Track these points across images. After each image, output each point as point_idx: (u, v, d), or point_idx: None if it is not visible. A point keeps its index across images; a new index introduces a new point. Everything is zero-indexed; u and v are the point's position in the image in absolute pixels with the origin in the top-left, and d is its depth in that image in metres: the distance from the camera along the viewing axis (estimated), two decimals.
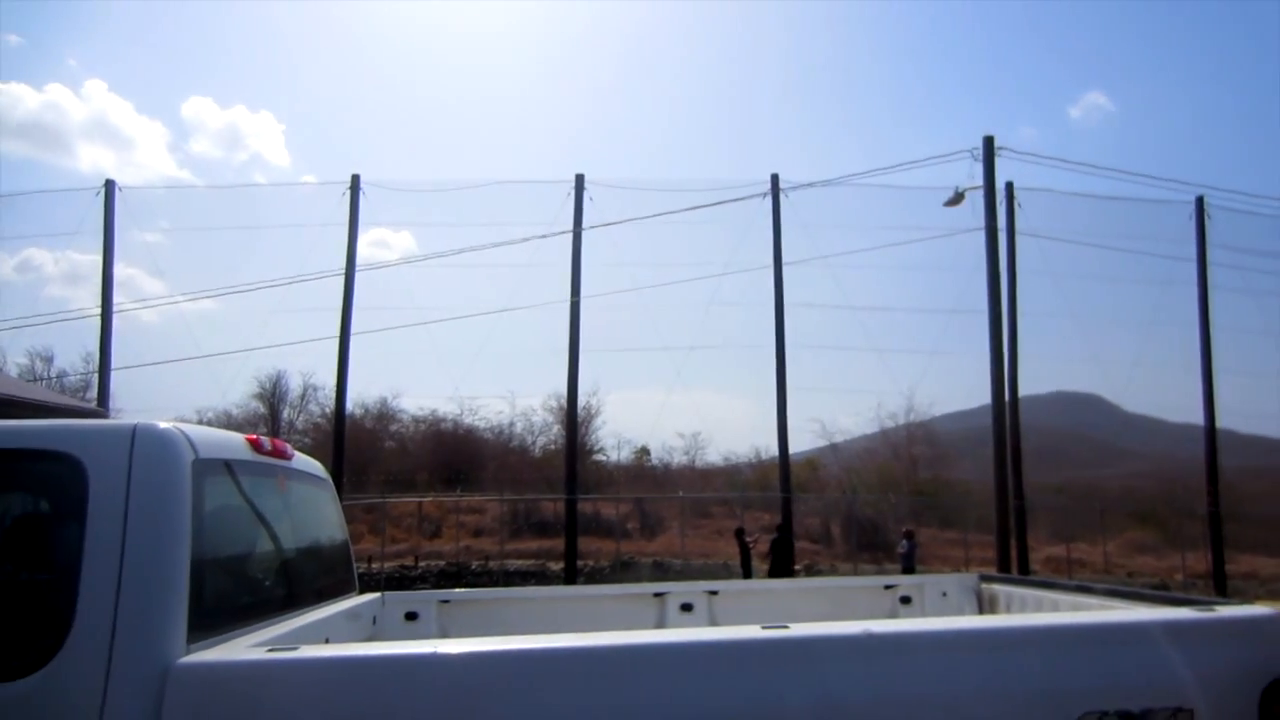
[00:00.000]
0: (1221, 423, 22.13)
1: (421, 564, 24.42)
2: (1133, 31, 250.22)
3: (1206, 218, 22.23)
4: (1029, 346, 24.20)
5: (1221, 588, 20.70)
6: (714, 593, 4.74)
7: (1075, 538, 26.50)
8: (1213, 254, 22.22)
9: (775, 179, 22.26)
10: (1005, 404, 18.85)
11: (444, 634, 4.38)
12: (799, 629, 2.65)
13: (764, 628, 2.63)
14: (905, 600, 4.89)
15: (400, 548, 25.86)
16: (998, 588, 4.73)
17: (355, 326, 21.54)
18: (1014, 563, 18.57)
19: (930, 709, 2.54)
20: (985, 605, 4.78)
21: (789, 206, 22.30)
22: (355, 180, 22.19)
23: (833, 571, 23.23)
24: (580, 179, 22.13)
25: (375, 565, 22.80)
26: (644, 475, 35.12)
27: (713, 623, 4.59)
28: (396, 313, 23.64)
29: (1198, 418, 22.29)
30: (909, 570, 16.19)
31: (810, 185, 22.53)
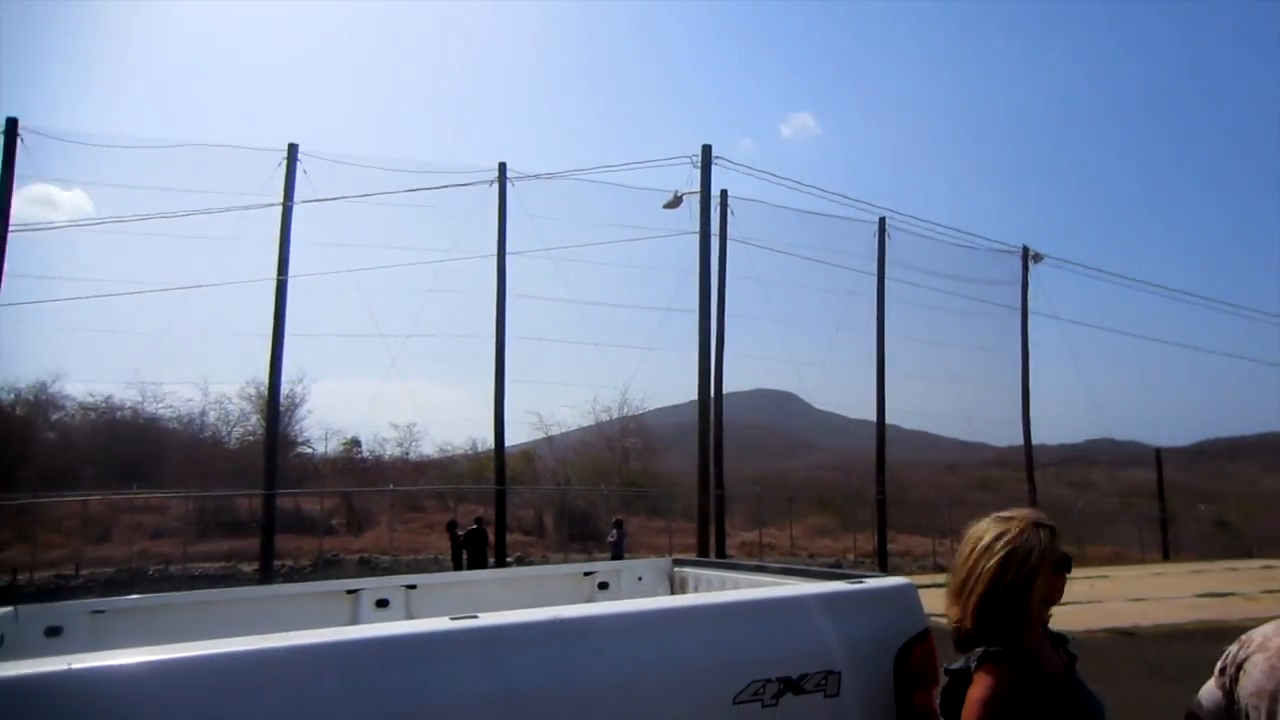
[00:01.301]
0: (890, 419, 25.09)
1: (84, 572, 21.57)
2: (842, 59, 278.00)
3: (887, 237, 25.07)
4: (735, 346, 25.98)
5: (884, 563, 23.51)
6: (412, 587, 4.55)
7: (768, 523, 28.85)
8: (890, 269, 25.11)
9: (503, 167, 22.15)
10: (710, 399, 20.10)
11: (95, 649, 3.84)
12: (487, 618, 2.59)
13: (452, 619, 2.55)
14: (603, 586, 4.97)
15: (58, 554, 22.63)
16: (688, 570, 4.94)
17: (7, 296, 18.65)
18: (712, 547, 19.86)
19: (612, 689, 2.58)
20: (676, 587, 4.99)
21: (516, 196, 22.32)
22: (12, 125, 19.14)
23: (544, 562, 23.53)
24: (293, 148, 20.71)
25: (23, 576, 19.88)
26: (353, 468, 33.59)
27: (409, 617, 4.40)
28: (66, 284, 20.67)
29: (873, 414, 25.09)
30: (618, 557, 16.75)
31: (537, 177, 22.72)
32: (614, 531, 18.48)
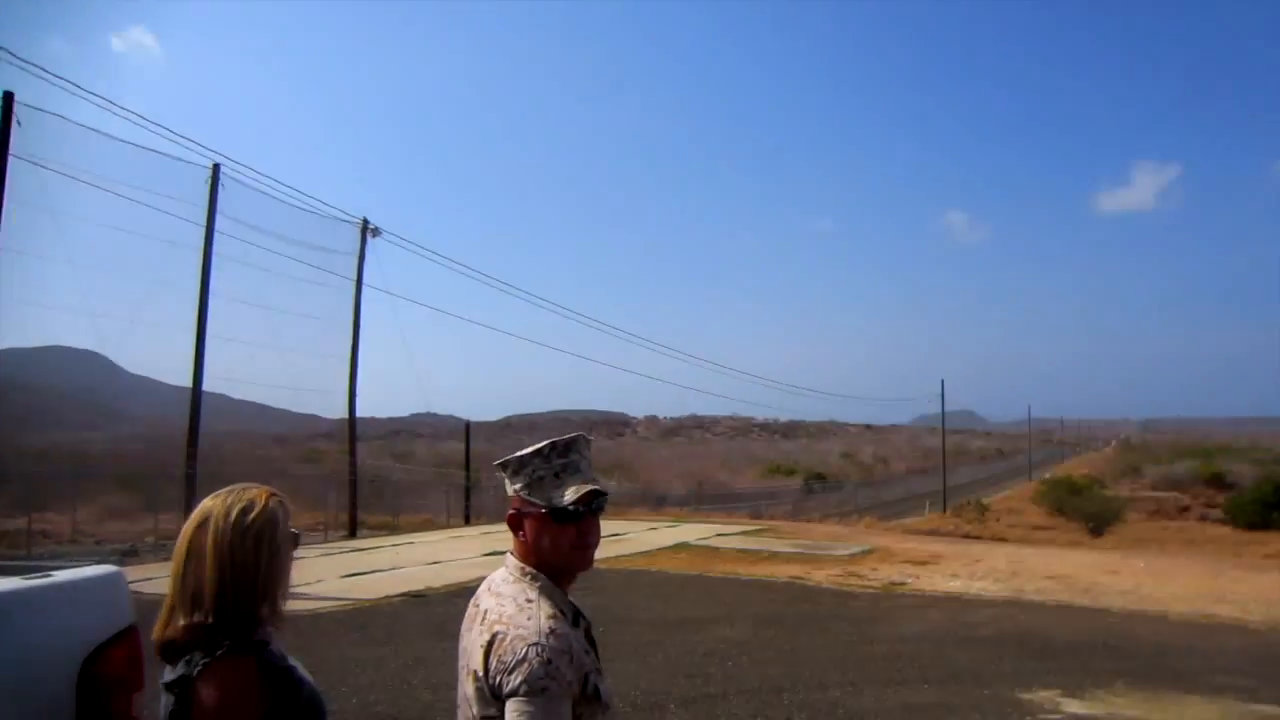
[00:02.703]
0: (215, 387, 22.99)
1: None
2: None
3: (220, 186, 22.82)
4: (17, 291, 21.24)
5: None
6: None
7: (47, 506, 24.31)
8: (221, 223, 22.94)
9: None
10: None
11: None
12: None
13: None
14: None
15: None
16: None
17: None
18: None
19: None
20: None
21: None
22: None
23: None
24: None
25: None
26: None
27: None
28: None
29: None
30: None
31: None
32: None
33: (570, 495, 1.80)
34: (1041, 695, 7.14)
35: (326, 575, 13.82)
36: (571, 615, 1.79)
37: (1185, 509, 48.07)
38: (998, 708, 6.80)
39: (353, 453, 24.10)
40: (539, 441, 1.86)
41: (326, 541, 20.00)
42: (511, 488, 1.83)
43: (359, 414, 25.02)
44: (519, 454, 1.85)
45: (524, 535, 1.82)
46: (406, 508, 27.99)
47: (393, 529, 23.31)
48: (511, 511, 1.84)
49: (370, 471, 34.24)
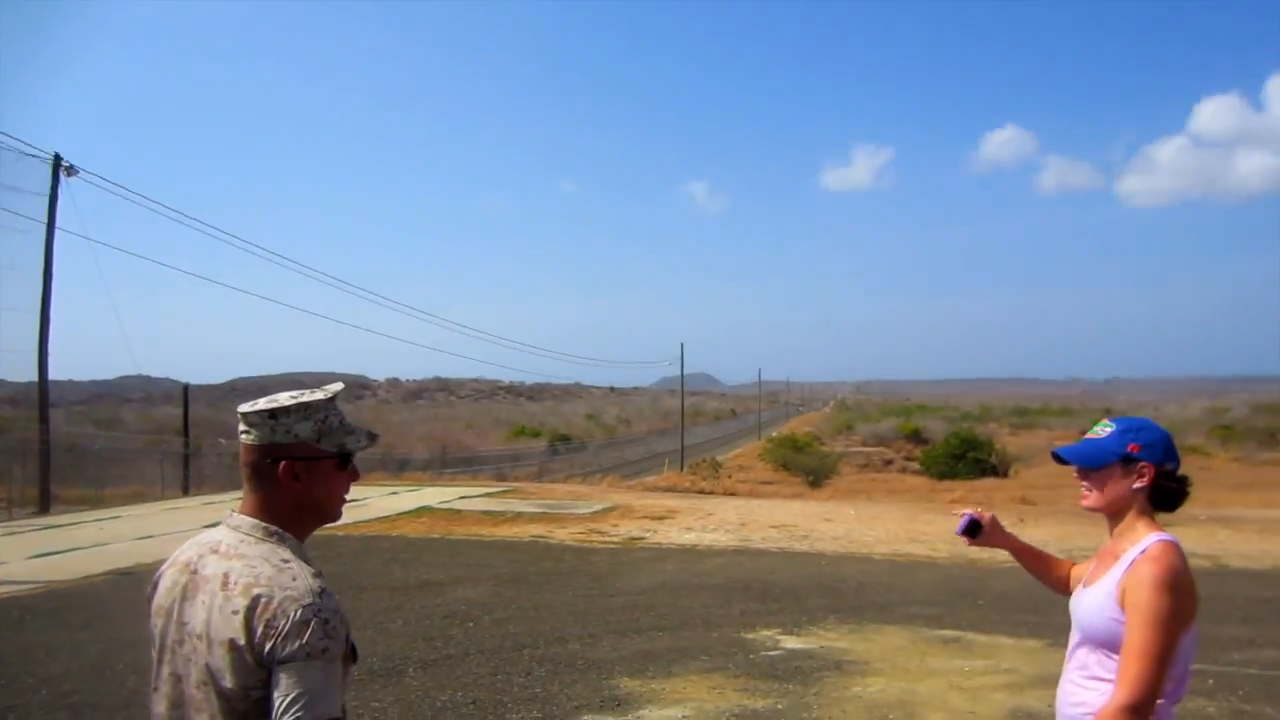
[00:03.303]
0: None
1: None
2: None
3: None
4: None
5: None
6: None
7: None
8: None
9: None
10: None
11: None
12: None
13: None
14: None
15: None
16: None
17: None
18: None
19: None
20: None
21: None
22: None
23: None
24: None
25: None
26: None
27: None
28: None
29: None
30: None
31: None
32: None
33: (364, 441, 1.76)
34: (763, 634, 7.72)
35: (10, 556, 12.15)
36: (318, 571, 1.68)
37: (890, 462, 54.08)
38: (724, 648, 7.27)
39: (44, 419, 21.29)
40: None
41: (11, 520, 17.57)
42: (287, 436, 1.66)
43: (53, 376, 22.12)
44: (301, 400, 1.70)
45: (285, 487, 1.67)
46: (113, 480, 25.10)
47: (96, 503, 20.86)
48: (282, 462, 1.66)
49: (68, 440, 30.50)
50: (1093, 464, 2.22)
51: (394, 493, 20.59)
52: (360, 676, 6.46)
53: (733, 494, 27.54)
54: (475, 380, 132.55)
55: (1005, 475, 41.06)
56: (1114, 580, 2.10)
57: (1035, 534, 13.67)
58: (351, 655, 1.65)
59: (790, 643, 7.45)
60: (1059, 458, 2.31)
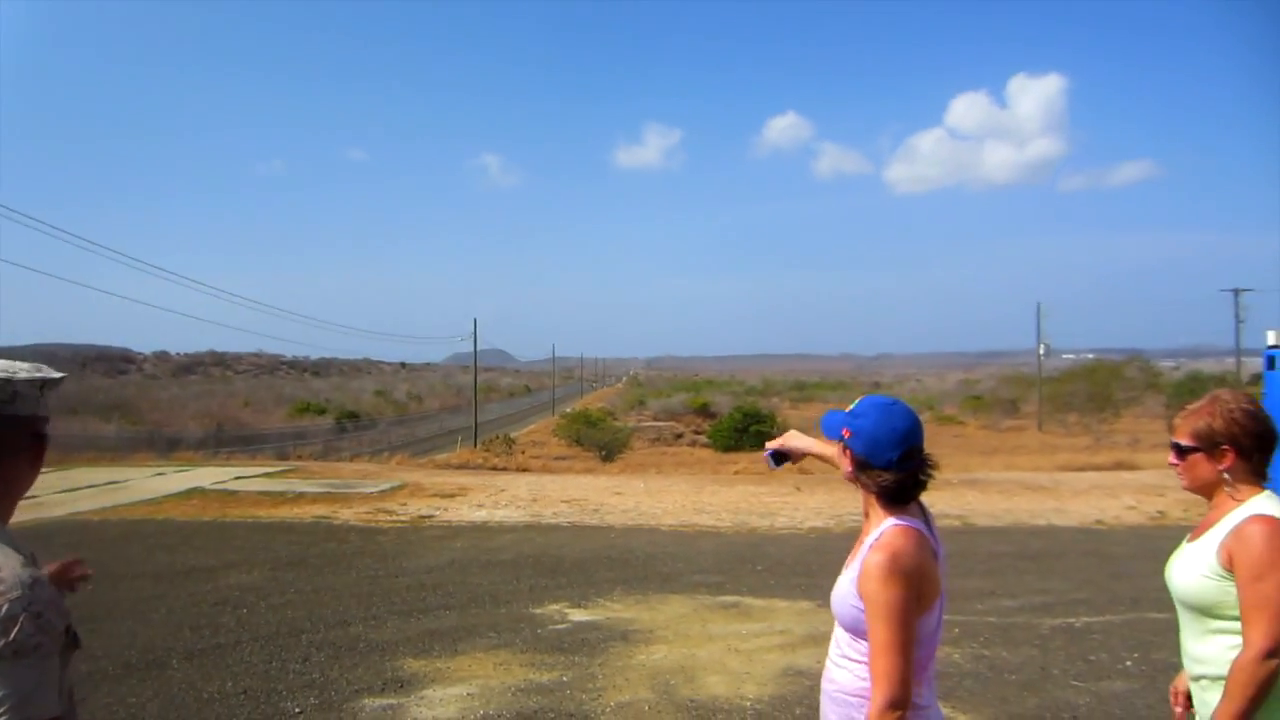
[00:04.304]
0: None
1: None
2: None
3: None
4: None
5: None
6: None
7: None
8: None
9: None
10: None
11: None
12: None
13: None
14: None
15: None
16: None
17: None
18: None
19: None
20: None
21: None
22: None
23: None
24: None
25: None
26: None
27: None
28: None
29: None
30: None
31: None
32: None
33: (45, 409, 1.61)
34: (551, 609, 7.82)
35: None
36: (30, 558, 1.53)
37: (680, 435, 55.95)
38: (512, 624, 7.30)
39: None
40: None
41: None
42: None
43: None
44: (19, 375, 1.54)
45: None
46: None
47: None
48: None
49: None
50: (827, 434, 2.20)
51: (160, 474, 18.99)
52: (114, 671, 5.97)
53: (526, 470, 27.55)
54: (255, 355, 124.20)
55: None
56: (857, 566, 2.05)
57: (810, 502, 14.69)
58: (74, 643, 1.54)
59: (577, 615, 7.60)
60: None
